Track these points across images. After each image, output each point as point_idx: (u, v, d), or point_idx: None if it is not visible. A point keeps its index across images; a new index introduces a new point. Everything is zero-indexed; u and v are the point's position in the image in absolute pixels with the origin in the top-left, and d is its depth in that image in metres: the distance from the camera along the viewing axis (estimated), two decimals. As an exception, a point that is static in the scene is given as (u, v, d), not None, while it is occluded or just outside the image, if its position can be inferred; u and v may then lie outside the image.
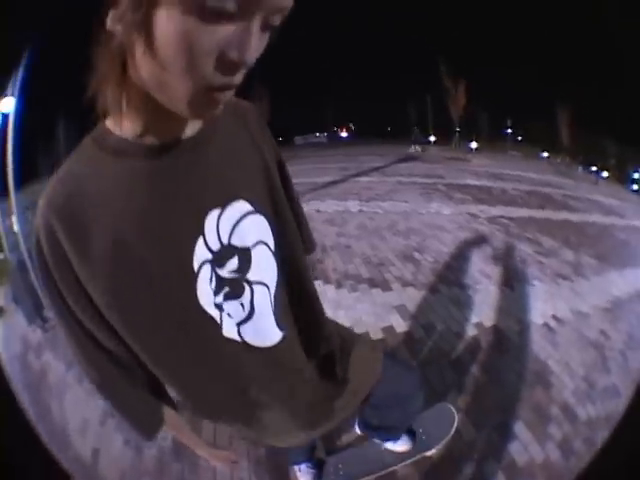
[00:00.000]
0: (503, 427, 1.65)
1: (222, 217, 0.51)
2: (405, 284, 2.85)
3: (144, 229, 0.45)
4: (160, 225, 0.46)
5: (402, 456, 1.40)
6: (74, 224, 0.43)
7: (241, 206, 0.52)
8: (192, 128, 0.48)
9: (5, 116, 3.47)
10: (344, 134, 30.06)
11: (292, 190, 0.66)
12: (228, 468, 0.87)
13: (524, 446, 1.57)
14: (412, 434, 1.40)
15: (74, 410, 1.84)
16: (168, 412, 0.64)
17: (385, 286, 2.84)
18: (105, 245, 0.44)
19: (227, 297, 0.54)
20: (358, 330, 2.31)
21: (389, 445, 1.37)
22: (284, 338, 0.61)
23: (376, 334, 2.31)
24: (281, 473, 1.45)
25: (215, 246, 0.51)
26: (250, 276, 0.55)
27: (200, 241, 0.49)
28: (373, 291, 2.78)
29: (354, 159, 11.25)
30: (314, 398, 0.70)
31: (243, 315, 0.56)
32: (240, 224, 0.52)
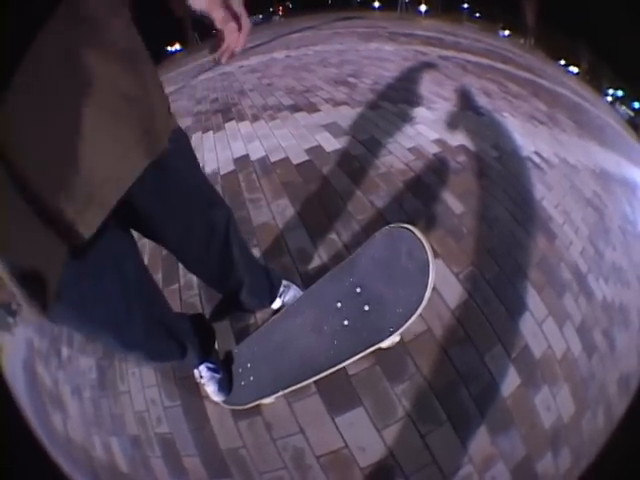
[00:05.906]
0: (505, 286, 1.16)
1: None
2: (337, 104, 2.28)
3: None
4: None
5: (341, 352, 0.81)
6: None
7: None
8: None
9: None
10: (281, 13, 26.98)
11: None
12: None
13: (538, 323, 1.13)
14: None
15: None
16: None
17: (311, 109, 2.25)
18: None
19: None
20: (276, 157, 1.77)
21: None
22: None
23: (299, 157, 1.74)
24: (189, 385, 1.07)
25: None
26: None
27: None
28: (296, 115, 2.19)
29: (289, 28, 9.75)
30: None
31: None
32: None
